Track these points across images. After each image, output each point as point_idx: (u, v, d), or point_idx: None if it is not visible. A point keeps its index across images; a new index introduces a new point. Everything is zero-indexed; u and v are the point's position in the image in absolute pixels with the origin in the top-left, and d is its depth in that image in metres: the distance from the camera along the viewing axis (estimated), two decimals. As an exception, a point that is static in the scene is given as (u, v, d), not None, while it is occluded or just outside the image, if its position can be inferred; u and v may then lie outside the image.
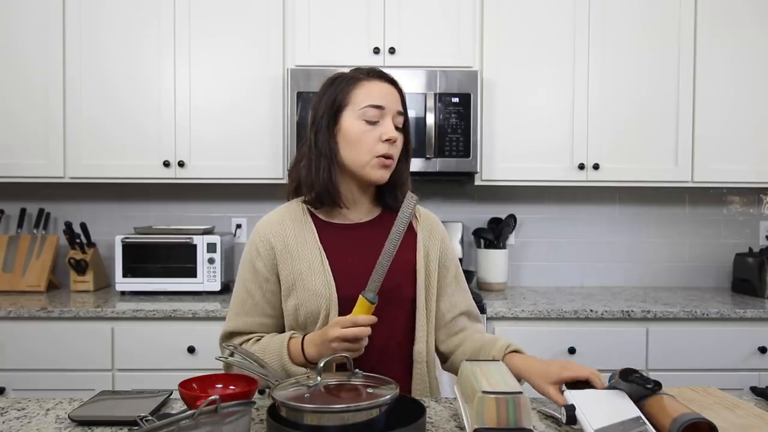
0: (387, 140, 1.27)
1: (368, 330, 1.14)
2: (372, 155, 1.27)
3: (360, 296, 1.15)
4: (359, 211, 1.36)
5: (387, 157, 1.28)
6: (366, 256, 1.31)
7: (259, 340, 1.31)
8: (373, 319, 1.15)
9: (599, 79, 2.58)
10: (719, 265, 2.96)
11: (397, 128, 1.31)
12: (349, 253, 1.30)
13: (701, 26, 2.57)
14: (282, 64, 2.54)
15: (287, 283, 1.30)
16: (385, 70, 1.36)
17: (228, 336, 1.34)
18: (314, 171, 1.30)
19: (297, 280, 1.29)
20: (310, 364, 1.22)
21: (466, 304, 1.42)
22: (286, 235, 1.32)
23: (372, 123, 1.28)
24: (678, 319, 2.33)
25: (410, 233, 1.38)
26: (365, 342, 1.15)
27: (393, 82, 1.34)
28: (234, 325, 1.33)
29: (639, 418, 1.00)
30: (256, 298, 1.33)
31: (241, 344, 1.30)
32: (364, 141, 1.27)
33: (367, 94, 1.29)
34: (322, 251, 1.29)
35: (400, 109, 1.32)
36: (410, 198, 1.17)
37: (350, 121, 1.28)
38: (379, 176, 1.29)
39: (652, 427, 1.01)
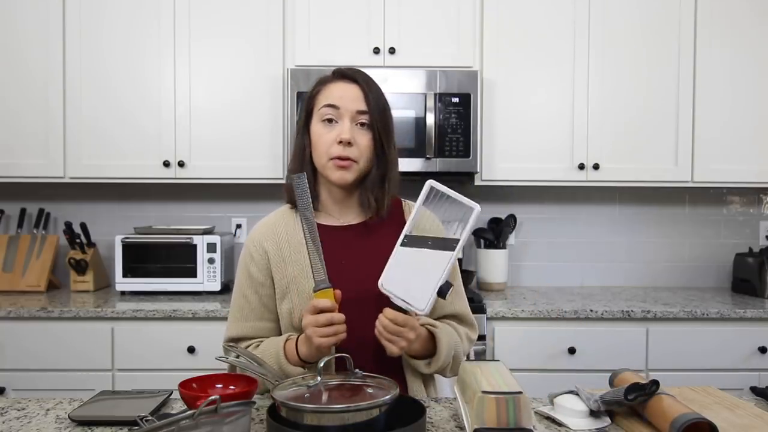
0: (340, 142, 1.26)
1: (334, 311, 1.14)
2: (327, 157, 1.28)
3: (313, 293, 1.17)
4: (348, 214, 1.36)
5: (341, 158, 1.26)
6: (358, 257, 1.31)
7: (258, 346, 1.31)
8: (335, 298, 1.15)
9: (599, 79, 2.58)
10: (719, 265, 2.96)
11: (363, 125, 1.28)
12: (341, 255, 1.30)
13: (701, 26, 2.57)
14: (282, 64, 2.54)
15: (281, 287, 1.31)
16: (385, 71, 1.36)
17: (229, 341, 1.34)
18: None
19: (290, 284, 1.30)
20: (306, 363, 1.22)
21: (454, 307, 1.38)
22: (279, 239, 1.33)
23: (329, 124, 1.28)
24: (678, 319, 2.33)
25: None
26: (341, 327, 1.14)
27: (356, 81, 1.31)
28: (234, 332, 1.34)
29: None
30: (253, 303, 1.33)
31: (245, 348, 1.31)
32: (322, 143, 1.28)
33: (326, 95, 1.30)
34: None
35: (360, 107, 1.28)
36: (297, 180, 1.19)
37: (314, 125, 1.31)
38: (337, 177, 1.28)
39: (653, 427, 1.01)
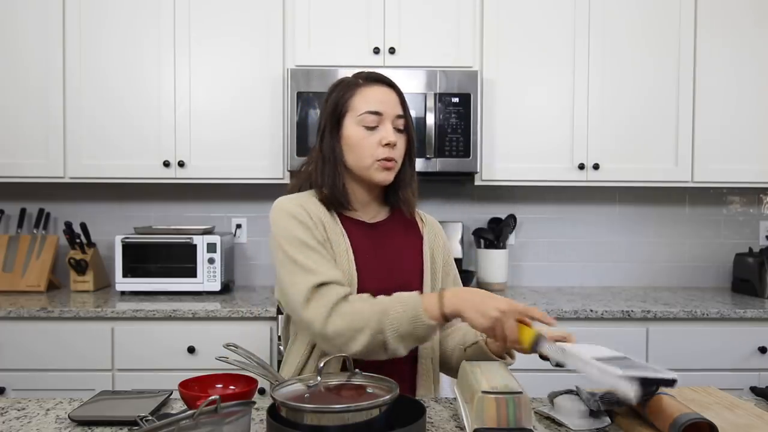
0: (386, 144, 1.30)
1: (512, 338, 1.09)
2: (373, 159, 1.31)
3: (533, 329, 1.09)
4: (369, 211, 1.39)
5: (388, 160, 1.31)
6: (384, 255, 1.35)
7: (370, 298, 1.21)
8: (551, 322, 1.09)
9: (599, 78, 2.58)
10: (719, 265, 2.96)
11: (399, 130, 1.34)
12: (368, 250, 1.33)
13: (701, 25, 2.57)
14: (282, 64, 2.54)
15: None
16: (385, 71, 1.39)
17: (317, 287, 1.20)
18: (320, 176, 1.34)
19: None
20: (442, 318, 1.14)
21: None
22: (323, 218, 1.32)
23: (371, 128, 1.31)
24: (678, 319, 2.33)
25: (416, 235, 1.43)
26: (511, 338, 1.09)
27: (392, 86, 1.37)
28: (326, 276, 1.20)
29: (626, 357, 1.01)
30: (323, 253, 1.26)
31: (344, 296, 1.20)
32: (365, 146, 1.31)
33: (365, 100, 1.32)
34: (348, 245, 1.31)
35: (399, 112, 1.34)
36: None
37: (351, 128, 1.32)
38: (383, 178, 1.33)
39: (653, 427, 1.01)
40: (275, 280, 1.36)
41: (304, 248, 1.24)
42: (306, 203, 1.32)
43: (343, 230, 1.33)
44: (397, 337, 1.15)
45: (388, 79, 1.37)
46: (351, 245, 1.31)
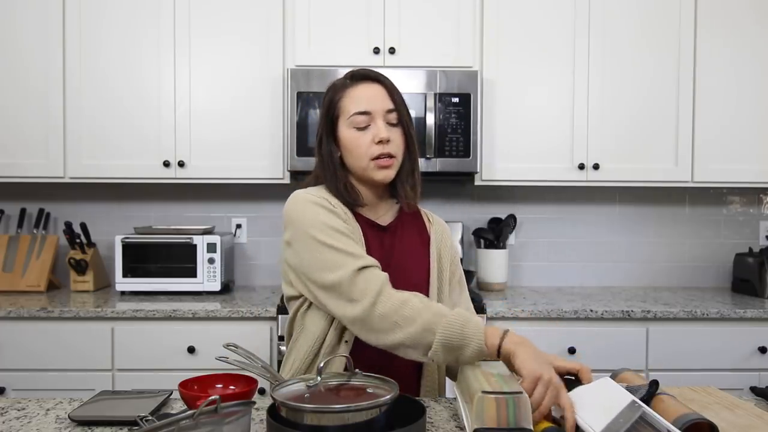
0: (379, 142, 1.29)
1: (544, 410, 1.01)
2: (368, 158, 1.30)
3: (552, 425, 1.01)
4: (379, 210, 1.39)
5: (383, 156, 1.29)
6: (394, 257, 1.34)
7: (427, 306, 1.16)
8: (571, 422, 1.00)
9: (599, 78, 2.58)
10: (719, 265, 2.96)
11: (392, 124, 1.32)
12: (380, 253, 1.32)
13: (701, 25, 2.57)
14: (282, 64, 2.54)
15: None
16: (385, 71, 1.38)
17: (361, 270, 1.20)
18: (325, 180, 1.34)
19: None
20: (496, 351, 1.10)
21: (465, 307, 1.43)
22: (345, 210, 1.33)
23: (363, 128, 1.30)
24: (678, 319, 2.33)
25: (424, 235, 1.43)
26: (532, 412, 1.00)
27: (379, 80, 1.34)
28: (368, 260, 1.21)
29: (633, 402, 1.00)
30: (355, 239, 1.27)
31: (387, 281, 1.20)
32: (359, 146, 1.30)
33: (353, 101, 1.31)
34: (364, 244, 1.31)
35: (389, 106, 1.32)
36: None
37: (344, 131, 1.32)
38: (383, 176, 1.31)
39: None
40: (282, 277, 1.37)
41: (338, 234, 1.24)
42: (326, 195, 1.32)
43: (359, 228, 1.33)
44: (444, 345, 1.11)
45: (376, 73, 1.35)
46: (367, 245, 1.31)
